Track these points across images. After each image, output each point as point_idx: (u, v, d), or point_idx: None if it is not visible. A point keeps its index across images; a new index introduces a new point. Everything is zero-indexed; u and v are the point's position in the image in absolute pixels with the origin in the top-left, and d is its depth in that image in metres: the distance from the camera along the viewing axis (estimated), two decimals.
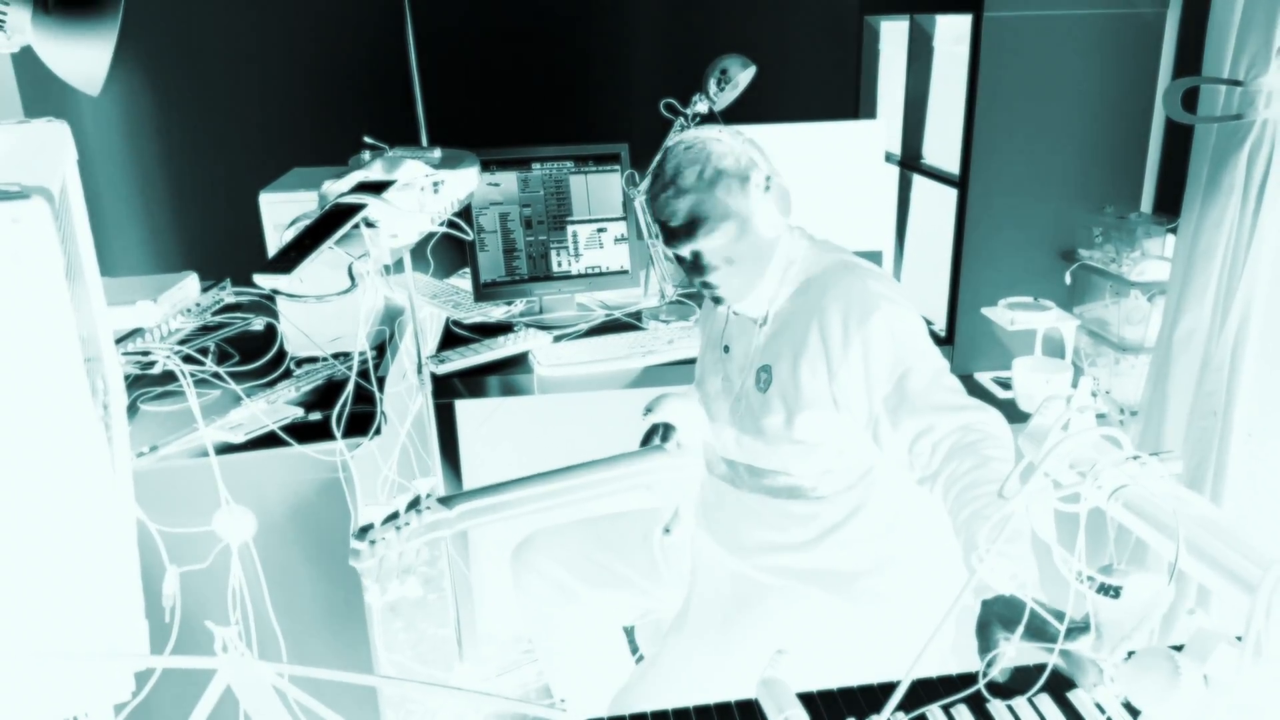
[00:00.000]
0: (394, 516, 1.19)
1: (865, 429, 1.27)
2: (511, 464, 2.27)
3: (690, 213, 1.28)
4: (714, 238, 1.30)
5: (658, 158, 1.38)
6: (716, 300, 1.38)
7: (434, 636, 2.28)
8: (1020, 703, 0.92)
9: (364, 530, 1.18)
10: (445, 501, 1.25)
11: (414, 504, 1.22)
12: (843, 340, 1.25)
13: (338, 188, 1.21)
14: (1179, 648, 0.67)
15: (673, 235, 1.32)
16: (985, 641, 0.90)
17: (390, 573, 1.19)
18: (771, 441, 1.34)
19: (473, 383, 1.87)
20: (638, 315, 2.11)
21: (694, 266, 1.34)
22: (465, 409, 2.10)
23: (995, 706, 0.93)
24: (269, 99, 2.43)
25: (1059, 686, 0.95)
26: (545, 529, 1.63)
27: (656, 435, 1.47)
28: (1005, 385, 1.93)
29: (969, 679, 0.94)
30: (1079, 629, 0.69)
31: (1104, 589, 0.64)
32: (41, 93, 2.02)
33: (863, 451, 1.33)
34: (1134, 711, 0.72)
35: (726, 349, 1.43)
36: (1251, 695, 0.55)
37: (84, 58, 1.04)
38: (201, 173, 2.45)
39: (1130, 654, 0.66)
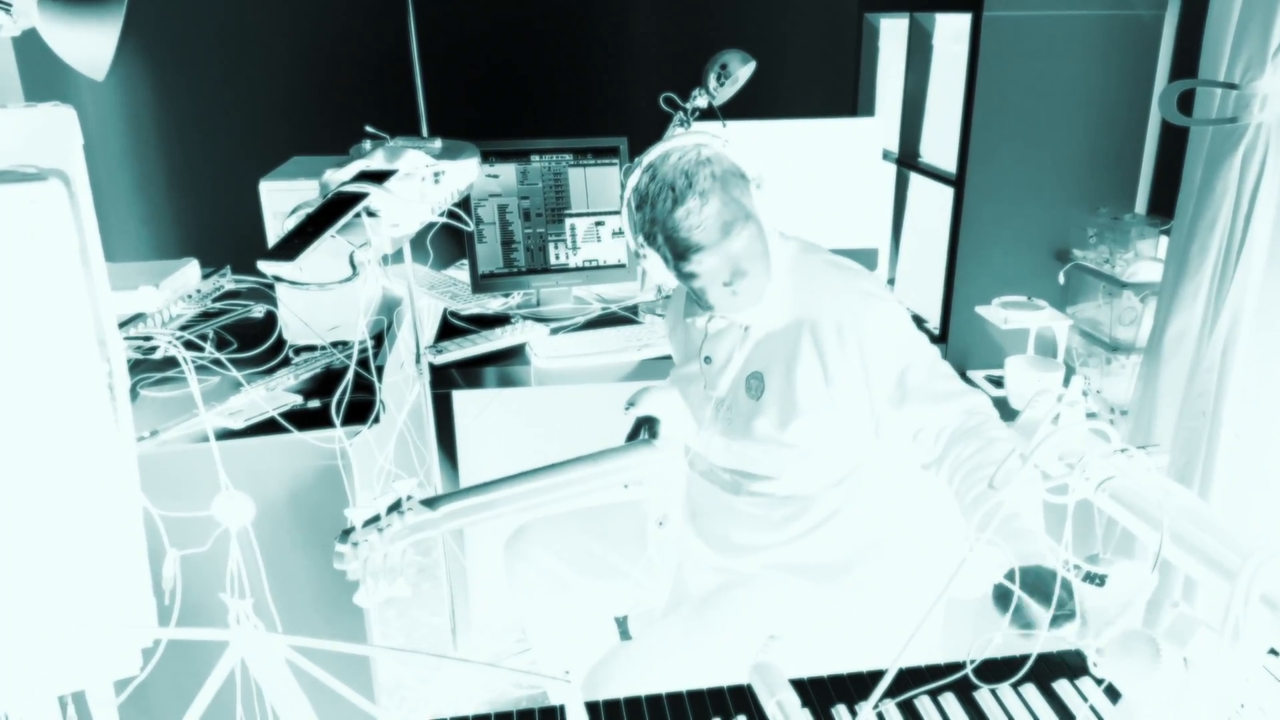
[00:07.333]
0: (375, 519, 1.17)
1: (866, 424, 1.28)
2: (507, 454, 2.28)
3: (719, 216, 1.19)
4: (740, 240, 1.21)
5: (642, 180, 1.24)
6: (704, 312, 1.33)
7: (428, 625, 2.29)
8: (1006, 690, 0.94)
9: (346, 533, 1.17)
10: (429, 503, 1.23)
11: (395, 506, 1.20)
12: (838, 344, 1.24)
13: (339, 176, 1.21)
14: None
15: (698, 249, 1.21)
16: (1005, 606, 0.87)
17: (375, 575, 1.17)
18: (764, 447, 1.34)
19: (470, 373, 1.88)
20: (634, 309, 2.12)
21: (712, 280, 1.24)
22: (462, 399, 2.11)
23: (982, 695, 0.95)
24: (270, 87, 2.43)
25: (1044, 676, 0.97)
26: (539, 519, 1.64)
27: (643, 430, 1.48)
28: (998, 383, 1.95)
29: (957, 668, 0.95)
30: (1065, 616, 0.71)
31: (1090, 577, 0.66)
32: (42, 78, 2.02)
33: (854, 449, 1.34)
34: (1115, 699, 0.74)
35: (708, 360, 1.40)
36: (1229, 677, 0.57)
37: (89, 42, 1.04)
38: (202, 160, 2.45)
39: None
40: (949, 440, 1.18)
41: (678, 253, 1.23)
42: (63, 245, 0.52)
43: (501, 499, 1.29)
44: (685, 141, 1.24)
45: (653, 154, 1.24)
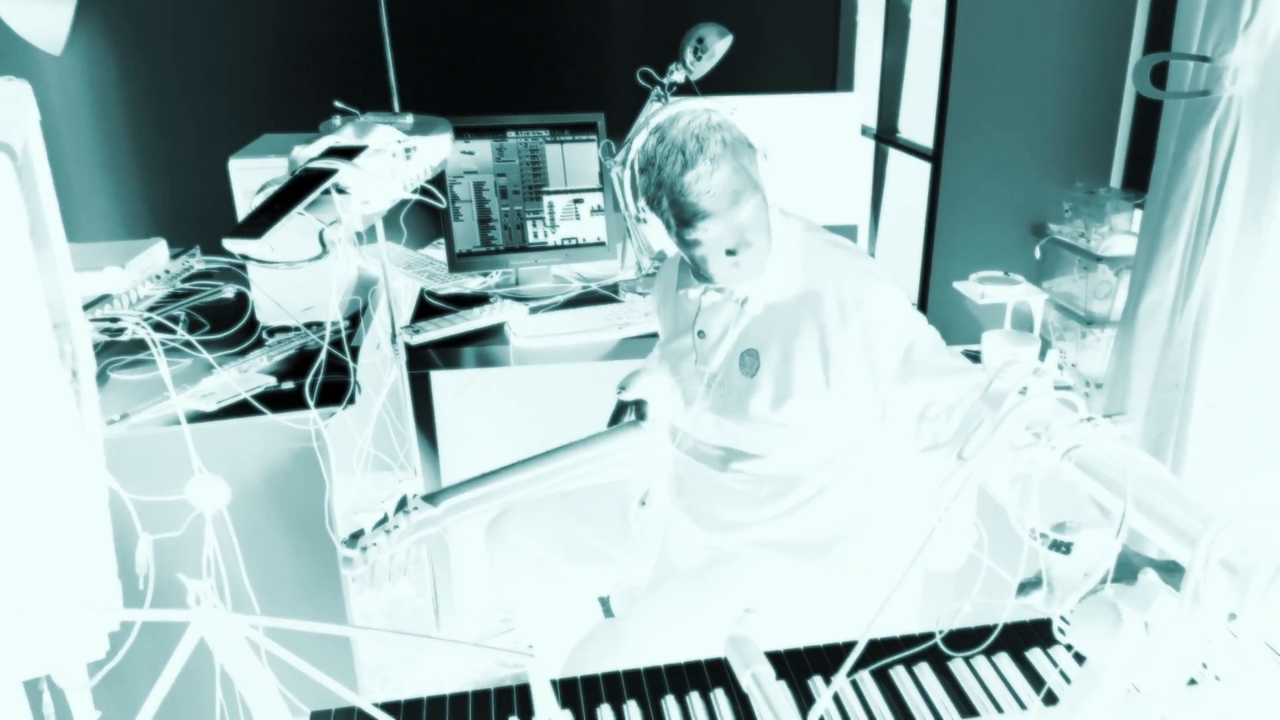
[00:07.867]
0: (383, 520, 1.19)
1: (860, 406, 1.27)
2: (488, 435, 2.27)
3: (728, 184, 1.16)
4: (747, 209, 1.18)
5: (649, 141, 1.20)
6: (714, 286, 1.29)
7: (411, 606, 2.29)
8: (979, 659, 0.96)
9: (354, 536, 1.17)
10: (430, 499, 1.25)
11: (401, 505, 1.21)
12: (840, 322, 1.23)
13: (308, 153, 1.19)
14: None
15: (705, 215, 1.17)
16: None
17: (383, 577, 1.18)
18: (756, 426, 1.33)
19: (448, 354, 1.86)
20: (614, 287, 2.11)
21: (715, 249, 1.21)
22: (440, 380, 2.10)
23: (956, 664, 0.96)
24: (239, 63, 2.38)
25: (1017, 645, 0.99)
26: (520, 504, 1.64)
27: (629, 412, 1.47)
28: (975, 358, 1.96)
29: (930, 638, 0.96)
30: (1032, 584, 0.72)
31: (1056, 545, 0.67)
32: (1, 53, 1.96)
33: (846, 431, 1.34)
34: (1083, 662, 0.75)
35: (701, 334, 1.37)
36: (1189, 641, 0.58)
37: (45, 14, 1.01)
38: (170, 138, 2.40)
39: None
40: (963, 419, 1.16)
41: (683, 219, 1.19)
42: (10, 221, 0.51)
43: (499, 490, 1.30)
44: (695, 105, 1.20)
45: (660, 116, 1.20)
